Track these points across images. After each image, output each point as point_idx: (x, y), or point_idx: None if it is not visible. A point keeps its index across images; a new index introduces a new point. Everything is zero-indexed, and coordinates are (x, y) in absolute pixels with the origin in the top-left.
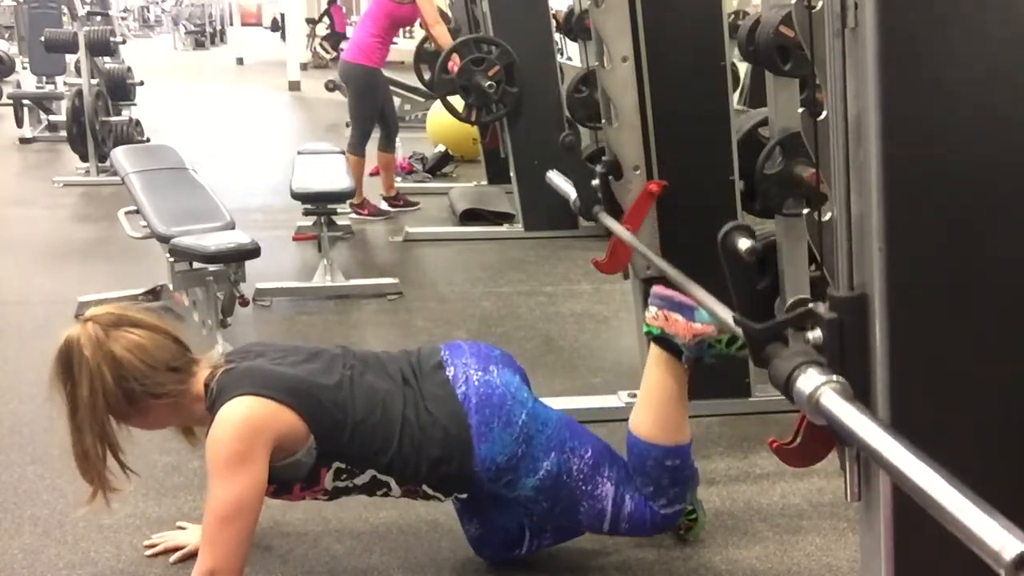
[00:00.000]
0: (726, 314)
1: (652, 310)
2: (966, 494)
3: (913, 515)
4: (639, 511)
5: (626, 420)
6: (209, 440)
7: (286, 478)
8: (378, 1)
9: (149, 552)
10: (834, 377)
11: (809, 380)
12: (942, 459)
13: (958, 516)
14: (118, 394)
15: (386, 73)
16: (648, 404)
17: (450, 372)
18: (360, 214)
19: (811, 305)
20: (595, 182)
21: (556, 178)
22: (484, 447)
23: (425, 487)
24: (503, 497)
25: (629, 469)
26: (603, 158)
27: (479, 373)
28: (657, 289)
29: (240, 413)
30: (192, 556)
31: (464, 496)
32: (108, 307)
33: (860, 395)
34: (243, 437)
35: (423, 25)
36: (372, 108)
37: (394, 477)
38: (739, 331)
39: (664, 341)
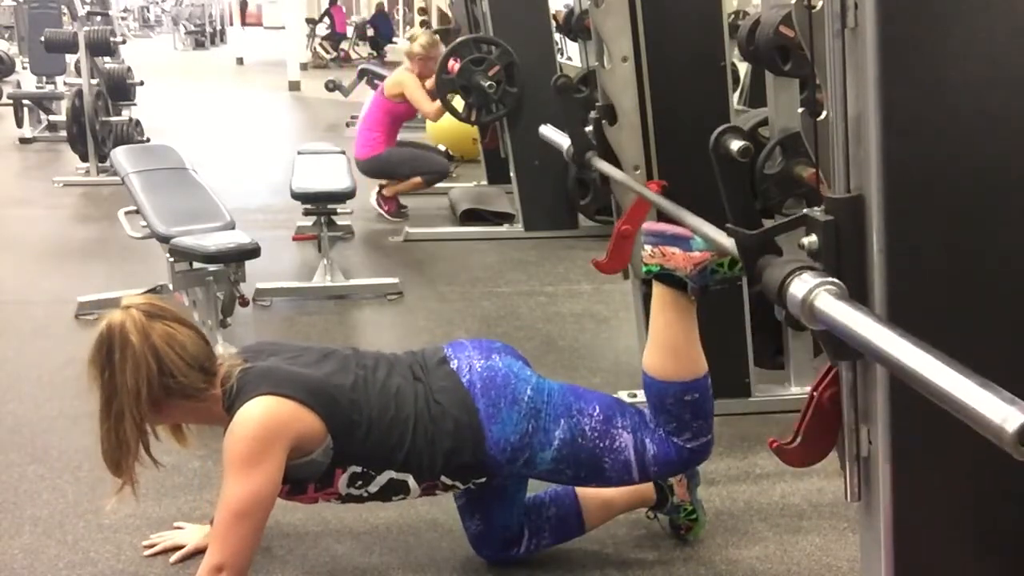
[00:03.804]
0: (722, 236)
1: (647, 248)
2: (966, 373)
3: (913, 515)
4: (663, 451)
5: None
6: (228, 438)
7: (301, 477)
8: (376, 101)
9: (148, 552)
10: (829, 279)
11: (803, 284)
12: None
13: (959, 396)
14: (158, 386)
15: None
16: (659, 345)
17: (454, 364)
18: (379, 206)
19: (807, 210)
20: (588, 128)
21: (548, 131)
22: (495, 428)
23: (443, 479)
24: (510, 491)
25: (643, 414)
26: (596, 103)
27: (482, 361)
28: (648, 225)
29: (260, 413)
30: (191, 556)
31: (482, 481)
32: (144, 297)
33: (856, 298)
34: (262, 437)
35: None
36: (408, 164)
37: (411, 473)
38: (735, 250)
39: (666, 277)
